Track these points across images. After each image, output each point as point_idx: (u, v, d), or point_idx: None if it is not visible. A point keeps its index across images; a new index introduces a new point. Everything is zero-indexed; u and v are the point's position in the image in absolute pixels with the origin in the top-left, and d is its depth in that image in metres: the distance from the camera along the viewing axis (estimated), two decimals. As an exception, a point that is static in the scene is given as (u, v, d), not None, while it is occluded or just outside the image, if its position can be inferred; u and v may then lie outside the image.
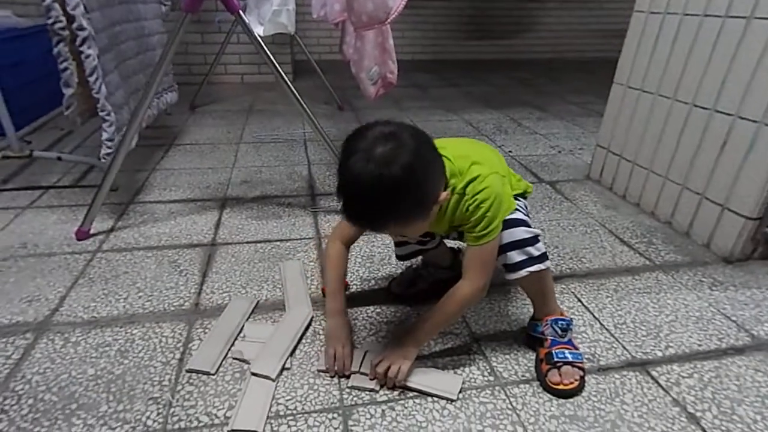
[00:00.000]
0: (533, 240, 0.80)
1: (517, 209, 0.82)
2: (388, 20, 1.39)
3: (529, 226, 0.81)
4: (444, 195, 0.73)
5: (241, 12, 1.26)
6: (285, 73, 1.32)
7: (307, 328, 0.95)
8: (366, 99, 1.66)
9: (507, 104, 2.80)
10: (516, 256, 0.80)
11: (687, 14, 1.28)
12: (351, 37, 1.75)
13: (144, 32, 1.67)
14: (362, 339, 0.93)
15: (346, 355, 0.83)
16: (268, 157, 1.89)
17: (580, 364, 0.83)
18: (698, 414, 0.78)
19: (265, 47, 1.29)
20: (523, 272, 0.80)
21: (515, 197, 0.85)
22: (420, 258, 1.08)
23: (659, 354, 0.91)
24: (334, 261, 0.91)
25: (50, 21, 1.07)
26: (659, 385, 0.83)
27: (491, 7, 4.36)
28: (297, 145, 2.03)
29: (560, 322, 0.86)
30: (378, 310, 1.02)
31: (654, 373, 0.86)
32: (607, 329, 0.97)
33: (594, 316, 1.01)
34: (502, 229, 0.78)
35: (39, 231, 1.28)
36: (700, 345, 0.93)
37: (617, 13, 4.46)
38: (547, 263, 0.82)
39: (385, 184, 0.66)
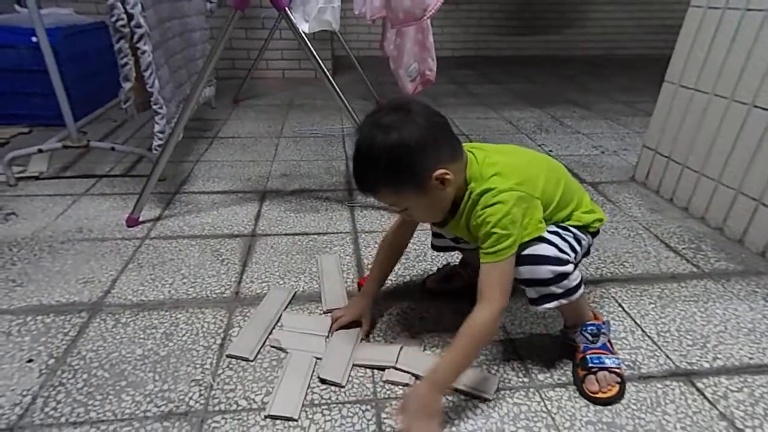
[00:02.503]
0: (557, 279, 0.75)
1: (548, 240, 0.75)
2: (425, 17, 1.39)
3: (560, 263, 0.74)
4: (441, 174, 0.71)
5: (287, 9, 1.29)
6: (326, 69, 1.34)
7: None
8: (404, 95, 1.66)
9: (549, 102, 2.73)
10: (534, 293, 0.78)
11: (750, 9, 1.21)
12: (392, 34, 1.76)
13: (187, 28, 1.73)
14: (396, 334, 0.94)
15: (340, 321, 0.92)
16: (307, 151, 1.93)
17: (617, 370, 0.81)
18: (748, 430, 0.74)
19: (309, 44, 1.31)
20: (542, 308, 0.78)
21: (574, 228, 0.81)
22: (460, 257, 1.08)
23: (706, 365, 0.87)
24: (381, 249, 0.95)
25: (113, 19, 1.12)
26: (705, 397, 0.80)
27: (536, 2, 4.25)
28: (335, 140, 2.06)
29: (590, 327, 0.84)
30: (412, 305, 1.02)
31: (700, 385, 0.82)
32: (649, 336, 0.94)
33: (635, 323, 0.97)
34: (524, 263, 0.74)
35: (93, 217, 1.36)
36: (751, 358, 0.88)
37: (671, 8, 4.25)
38: (575, 296, 0.77)
39: (377, 145, 0.70)
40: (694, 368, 0.86)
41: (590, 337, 0.83)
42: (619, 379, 0.80)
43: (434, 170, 0.71)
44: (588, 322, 0.84)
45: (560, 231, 0.79)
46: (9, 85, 2.00)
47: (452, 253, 1.12)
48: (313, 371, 0.84)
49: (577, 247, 0.81)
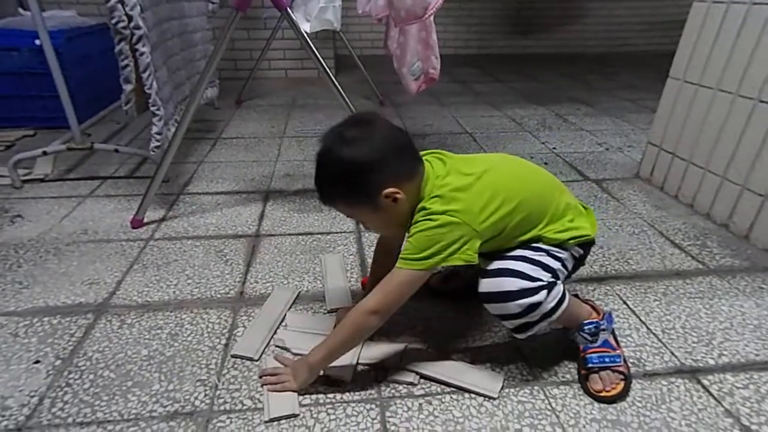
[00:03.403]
0: (528, 310, 0.73)
1: (512, 270, 0.73)
2: (426, 16, 1.38)
3: (529, 294, 0.72)
4: (392, 193, 0.72)
5: (288, 9, 1.29)
6: (328, 68, 1.34)
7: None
8: (407, 94, 1.66)
9: (553, 100, 2.72)
10: (510, 325, 0.78)
11: (756, 3, 1.20)
12: (395, 32, 1.75)
13: (187, 29, 1.73)
14: (400, 333, 0.94)
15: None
16: (310, 151, 1.93)
17: (620, 368, 0.80)
18: (753, 427, 0.74)
19: (311, 44, 1.31)
20: (524, 336, 0.78)
21: (547, 246, 0.78)
22: None
23: (711, 362, 0.86)
24: (377, 250, 0.97)
25: (114, 20, 1.13)
26: (710, 394, 0.80)
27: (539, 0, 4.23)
28: (338, 140, 2.05)
29: (587, 327, 0.82)
30: (416, 305, 1.02)
31: (705, 382, 0.82)
32: (654, 334, 0.93)
33: (640, 320, 0.97)
34: (491, 300, 0.74)
35: (98, 218, 1.36)
36: (757, 355, 0.88)
37: (676, 3, 4.22)
38: (555, 316, 0.75)
39: (333, 158, 0.72)
40: (700, 365, 0.86)
41: (589, 337, 0.82)
42: (622, 377, 0.80)
43: (385, 188, 0.72)
44: (585, 322, 0.83)
45: (528, 253, 0.77)
46: (13, 88, 2.01)
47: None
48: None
49: (554, 264, 0.77)
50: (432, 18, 1.49)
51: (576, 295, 0.92)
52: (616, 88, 2.99)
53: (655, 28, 4.37)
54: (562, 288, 0.76)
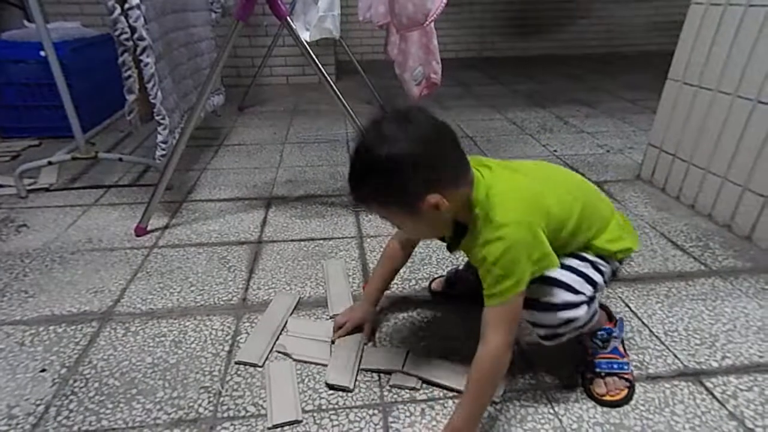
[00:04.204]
0: (566, 323, 0.71)
1: (559, 281, 0.70)
2: (427, 23, 1.39)
3: (571, 308, 0.69)
4: (434, 201, 0.64)
5: (288, 18, 1.30)
6: (328, 74, 1.35)
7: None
8: (408, 98, 1.67)
9: (554, 102, 2.73)
10: (542, 332, 0.74)
11: (752, 5, 1.21)
12: (396, 38, 1.77)
13: (193, 39, 1.75)
14: (403, 338, 0.94)
15: (344, 329, 0.92)
16: (311, 156, 1.94)
17: (626, 375, 0.80)
18: (758, 430, 0.73)
19: (311, 51, 1.33)
20: (551, 344, 0.75)
21: (593, 257, 0.74)
22: (467, 260, 1.07)
23: (714, 364, 0.86)
24: (383, 256, 0.95)
25: (117, 33, 1.14)
26: (714, 397, 0.79)
27: (540, 1, 4.24)
28: (340, 145, 2.07)
29: (600, 333, 0.81)
30: (418, 310, 1.03)
31: (708, 384, 0.82)
32: (656, 336, 0.93)
33: (643, 323, 0.97)
34: (533, 308, 0.70)
35: (102, 227, 1.38)
36: (761, 357, 0.88)
37: (677, 4, 4.22)
38: (585, 329, 0.74)
39: (370, 157, 0.64)
40: (703, 368, 0.85)
41: (600, 343, 0.81)
42: (628, 384, 0.79)
43: (427, 195, 0.64)
44: (598, 329, 0.81)
45: (575, 263, 0.73)
46: (19, 98, 2.03)
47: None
48: (297, 372, 0.84)
49: (597, 278, 0.73)
50: (432, 24, 1.50)
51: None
52: (617, 89, 2.99)
53: (655, 29, 4.37)
54: (596, 305, 0.74)
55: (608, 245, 0.75)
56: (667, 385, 0.82)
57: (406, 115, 0.66)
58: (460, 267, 1.09)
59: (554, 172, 0.81)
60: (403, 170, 0.63)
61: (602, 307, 0.86)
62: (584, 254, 0.75)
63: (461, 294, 1.04)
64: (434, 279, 1.10)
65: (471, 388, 0.69)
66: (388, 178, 0.64)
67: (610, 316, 0.86)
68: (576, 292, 0.70)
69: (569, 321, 0.70)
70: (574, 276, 0.71)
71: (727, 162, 1.30)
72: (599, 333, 0.81)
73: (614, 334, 0.82)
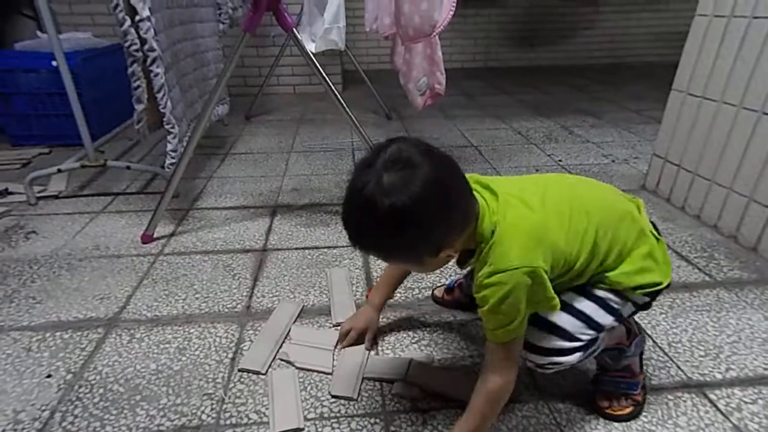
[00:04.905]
0: (550, 365, 0.68)
1: (554, 324, 0.66)
2: (434, 34, 1.41)
3: (562, 354, 0.66)
4: (444, 255, 0.62)
5: (294, 29, 1.32)
6: (334, 84, 1.37)
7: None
8: (413, 109, 1.68)
9: (559, 112, 2.73)
10: (529, 364, 0.71)
11: (756, 17, 1.21)
12: (401, 48, 1.78)
13: (200, 49, 1.79)
14: (405, 347, 0.94)
15: (349, 338, 0.92)
16: (317, 165, 1.96)
17: (634, 396, 0.78)
18: (762, 443, 0.73)
19: (316, 62, 1.35)
20: (546, 372, 0.71)
21: (606, 293, 0.68)
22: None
23: (718, 376, 0.86)
24: (386, 268, 0.95)
25: (127, 44, 1.17)
26: (718, 409, 0.79)
27: (545, 12, 4.27)
28: (345, 154, 2.08)
29: (609, 351, 0.75)
30: (421, 318, 1.03)
31: (712, 397, 0.81)
32: (660, 347, 0.93)
33: (646, 333, 0.96)
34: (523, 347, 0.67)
35: (110, 234, 1.39)
36: (766, 369, 0.87)
37: (681, 15, 4.23)
38: (583, 361, 0.69)
39: (373, 213, 0.56)
40: (707, 379, 0.85)
41: (610, 361, 0.77)
42: (634, 403, 0.78)
43: (434, 249, 0.61)
44: (609, 347, 0.74)
45: (579, 305, 0.67)
46: (31, 107, 2.07)
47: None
48: (300, 380, 0.85)
49: (604, 320, 0.67)
50: (438, 35, 1.52)
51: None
52: (622, 100, 2.99)
53: (659, 40, 4.38)
54: (600, 341, 0.69)
55: (624, 279, 0.67)
56: (670, 397, 0.81)
57: (408, 159, 0.58)
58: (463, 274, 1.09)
59: (568, 191, 0.71)
60: (409, 228, 0.57)
61: (623, 322, 0.76)
62: (594, 290, 0.68)
63: (460, 301, 1.04)
64: (436, 287, 1.10)
65: (471, 413, 0.68)
66: (396, 238, 0.58)
67: (630, 333, 0.76)
68: (571, 338, 0.66)
69: (557, 363, 0.67)
70: (573, 320, 0.66)
71: (732, 173, 1.30)
72: (609, 351, 0.75)
73: (627, 354, 0.76)
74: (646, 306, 0.72)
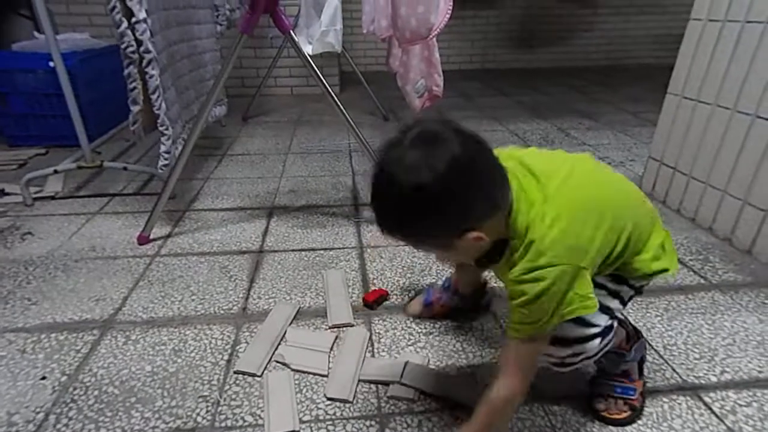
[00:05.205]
0: (573, 356, 0.67)
1: (591, 322, 0.64)
2: (430, 36, 1.41)
3: (582, 341, 0.65)
4: (473, 237, 0.58)
5: (291, 31, 1.32)
6: (332, 85, 1.38)
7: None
8: (411, 111, 1.68)
9: (556, 113, 2.74)
10: (548, 361, 0.70)
11: (749, 21, 1.22)
12: (398, 50, 1.79)
13: (197, 50, 1.78)
14: (401, 349, 0.94)
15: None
16: (314, 167, 1.96)
17: (631, 401, 0.78)
18: (755, 445, 0.73)
19: (313, 64, 1.35)
20: (562, 371, 0.71)
21: (610, 283, 0.69)
22: (445, 277, 1.04)
23: (713, 379, 0.86)
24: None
25: (123, 46, 1.17)
26: (712, 411, 0.79)
27: (543, 14, 4.28)
28: (342, 156, 2.08)
29: (610, 354, 0.74)
30: (417, 321, 1.03)
31: (707, 399, 0.82)
32: (655, 350, 0.93)
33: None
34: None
35: (106, 235, 1.39)
36: (760, 372, 0.87)
37: (678, 17, 4.25)
38: (599, 356, 0.69)
39: (394, 191, 0.57)
40: (702, 382, 0.85)
41: (609, 363, 0.78)
42: (631, 409, 0.77)
43: (460, 231, 0.58)
44: (611, 350, 0.73)
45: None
46: (28, 107, 2.07)
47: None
48: (295, 382, 0.85)
49: (612, 304, 0.68)
50: (435, 37, 1.52)
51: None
52: (619, 102, 3.00)
53: (656, 42, 4.40)
54: (614, 330, 0.69)
55: (644, 266, 0.67)
56: (665, 399, 0.82)
57: (433, 135, 0.56)
58: (437, 284, 1.05)
59: (611, 184, 0.70)
60: (434, 207, 0.55)
61: (623, 325, 0.78)
62: (600, 279, 0.69)
63: (434, 316, 1.02)
64: (411, 299, 1.06)
65: (480, 417, 0.66)
66: (419, 216, 0.57)
67: (629, 337, 0.78)
68: (589, 324, 0.65)
69: (579, 353, 0.67)
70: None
71: (726, 176, 1.30)
72: (610, 355, 0.75)
73: (626, 358, 0.77)
74: (640, 290, 0.73)
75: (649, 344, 0.95)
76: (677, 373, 0.87)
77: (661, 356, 0.91)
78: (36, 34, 2.25)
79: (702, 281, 1.15)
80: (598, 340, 0.66)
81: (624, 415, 0.77)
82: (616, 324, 0.69)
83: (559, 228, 0.59)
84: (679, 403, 0.81)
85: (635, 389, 0.78)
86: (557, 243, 0.59)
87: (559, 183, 0.63)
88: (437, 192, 0.55)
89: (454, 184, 0.55)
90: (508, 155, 0.65)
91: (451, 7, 1.39)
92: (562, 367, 0.70)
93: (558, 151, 0.71)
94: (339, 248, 1.32)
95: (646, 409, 0.80)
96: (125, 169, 1.69)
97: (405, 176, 0.55)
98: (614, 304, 0.69)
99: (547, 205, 0.61)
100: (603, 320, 0.66)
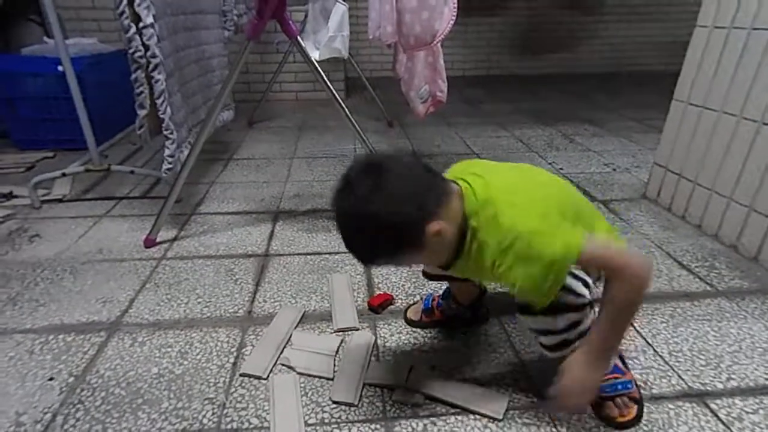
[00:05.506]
0: (572, 326, 0.71)
1: (565, 285, 0.67)
2: (434, 43, 1.42)
3: (577, 310, 0.69)
4: (435, 229, 0.65)
5: (298, 37, 1.34)
6: (337, 90, 1.39)
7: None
8: (415, 116, 1.69)
9: (560, 120, 2.75)
10: (547, 341, 0.74)
11: (756, 29, 1.22)
12: (403, 57, 1.80)
13: (204, 56, 1.80)
14: (406, 353, 0.94)
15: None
16: (319, 171, 1.97)
17: (633, 394, 0.79)
18: (763, 453, 0.73)
19: (320, 70, 1.36)
20: (556, 355, 0.74)
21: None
22: (444, 287, 1.04)
23: (719, 386, 0.86)
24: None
25: (131, 50, 1.18)
26: (719, 419, 0.79)
27: (546, 21, 4.30)
28: (347, 161, 2.09)
29: None
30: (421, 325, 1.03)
31: (713, 406, 0.81)
32: (661, 356, 0.93)
33: (647, 342, 0.97)
34: (541, 313, 0.68)
35: (113, 238, 1.40)
36: (767, 379, 0.87)
37: (682, 24, 4.26)
38: (588, 331, 0.73)
39: (357, 222, 0.66)
40: (708, 389, 0.85)
41: None
42: (636, 402, 0.79)
43: (426, 228, 0.65)
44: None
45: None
46: (36, 111, 2.09)
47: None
48: (300, 385, 0.85)
49: (589, 280, 0.71)
50: (440, 44, 1.53)
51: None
52: (623, 108, 3.01)
53: (660, 49, 4.41)
54: (592, 307, 0.73)
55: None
56: (671, 406, 0.81)
57: (370, 164, 0.67)
58: (438, 293, 1.05)
59: (531, 172, 0.81)
60: (396, 219, 0.64)
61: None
62: None
63: (434, 323, 1.01)
64: (409, 307, 1.06)
65: (606, 318, 0.67)
66: (385, 234, 0.65)
67: None
68: (577, 294, 0.68)
69: (575, 324, 0.70)
70: (572, 279, 0.68)
71: (732, 182, 1.30)
72: None
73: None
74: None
75: (655, 350, 0.94)
76: (683, 380, 0.87)
77: (666, 362, 0.91)
78: (45, 39, 2.28)
79: (708, 288, 1.15)
80: (588, 309, 0.71)
81: (633, 411, 0.78)
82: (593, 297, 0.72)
83: (510, 199, 0.68)
84: (685, 410, 0.80)
85: (632, 381, 0.80)
86: (514, 206, 0.67)
87: (501, 176, 0.74)
88: (391, 208, 0.63)
89: (402, 194, 0.64)
90: (459, 166, 0.77)
91: (455, 14, 1.40)
92: (557, 349, 0.73)
93: (508, 164, 0.81)
94: (344, 252, 1.31)
95: (651, 415, 0.79)
96: (132, 172, 1.70)
97: (361, 206, 0.64)
98: (588, 279, 0.71)
99: (492, 189, 0.69)
100: (586, 293, 0.69)
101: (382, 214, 0.63)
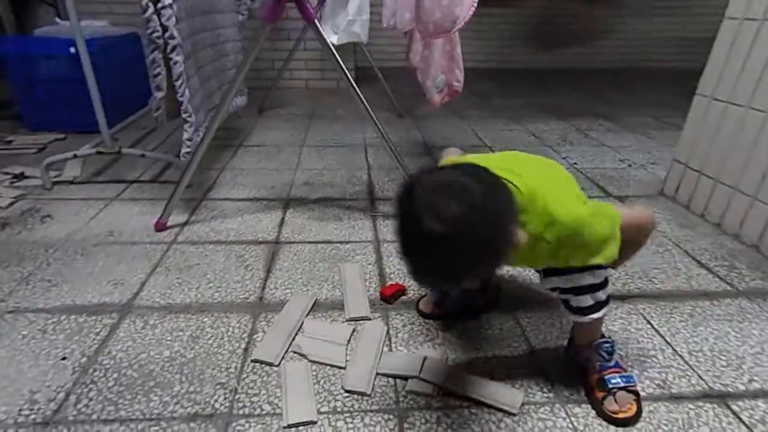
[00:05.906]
0: (605, 283, 0.75)
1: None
2: (454, 30, 1.39)
3: (605, 267, 0.75)
4: (520, 236, 0.64)
5: (316, 21, 1.31)
6: (351, 80, 1.36)
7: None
8: (430, 106, 1.67)
9: (574, 114, 2.71)
10: (586, 301, 0.75)
11: (786, 21, 1.19)
12: (418, 45, 1.77)
13: (220, 40, 1.78)
14: (419, 344, 0.93)
15: None
16: (329, 160, 1.95)
17: (633, 388, 0.79)
18: (786, 456, 0.71)
19: (337, 56, 1.34)
20: (590, 318, 0.76)
21: None
22: None
23: (741, 387, 0.84)
24: None
25: (149, 31, 1.16)
26: (741, 421, 0.77)
27: (560, 14, 4.23)
28: (357, 150, 2.07)
29: (605, 345, 0.81)
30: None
31: (735, 408, 0.79)
32: (680, 355, 0.91)
33: (666, 341, 0.95)
34: (585, 269, 0.73)
35: (124, 221, 1.39)
36: (789, 381, 0.85)
37: (698, 20, 4.18)
38: (608, 308, 0.78)
39: (457, 248, 0.59)
40: (729, 390, 0.83)
41: (606, 356, 0.80)
42: (635, 397, 0.78)
43: (513, 242, 0.63)
44: (601, 339, 0.81)
45: None
46: (48, 93, 2.08)
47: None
48: (312, 373, 0.84)
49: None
50: (457, 32, 1.50)
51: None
52: (638, 104, 2.96)
53: (677, 45, 4.32)
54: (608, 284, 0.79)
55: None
56: (691, 406, 0.80)
57: (447, 185, 0.62)
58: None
59: (542, 164, 0.83)
60: (489, 239, 0.60)
61: None
62: None
63: (449, 313, 1.00)
64: (420, 299, 1.04)
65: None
66: (485, 254, 0.62)
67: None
68: (596, 275, 0.75)
69: (606, 281, 0.75)
70: None
71: (757, 181, 1.27)
72: (605, 345, 0.81)
73: (615, 348, 0.82)
74: None
75: (674, 349, 0.92)
76: (703, 380, 0.85)
77: (686, 362, 0.89)
78: (58, 20, 2.27)
79: (728, 288, 1.12)
80: (608, 288, 0.76)
81: (633, 408, 0.77)
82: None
83: (549, 189, 0.71)
84: (706, 411, 0.79)
85: (633, 376, 0.81)
86: (557, 196, 0.70)
87: (527, 169, 0.74)
88: (493, 228, 0.61)
89: (495, 211, 0.62)
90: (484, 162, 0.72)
91: (476, 1, 1.36)
92: (590, 312, 0.76)
93: (511, 152, 0.85)
94: (355, 242, 1.31)
95: (671, 414, 0.78)
96: (143, 156, 1.69)
97: (448, 229, 0.58)
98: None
99: (530, 183, 0.70)
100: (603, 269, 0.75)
101: (490, 232, 0.60)
